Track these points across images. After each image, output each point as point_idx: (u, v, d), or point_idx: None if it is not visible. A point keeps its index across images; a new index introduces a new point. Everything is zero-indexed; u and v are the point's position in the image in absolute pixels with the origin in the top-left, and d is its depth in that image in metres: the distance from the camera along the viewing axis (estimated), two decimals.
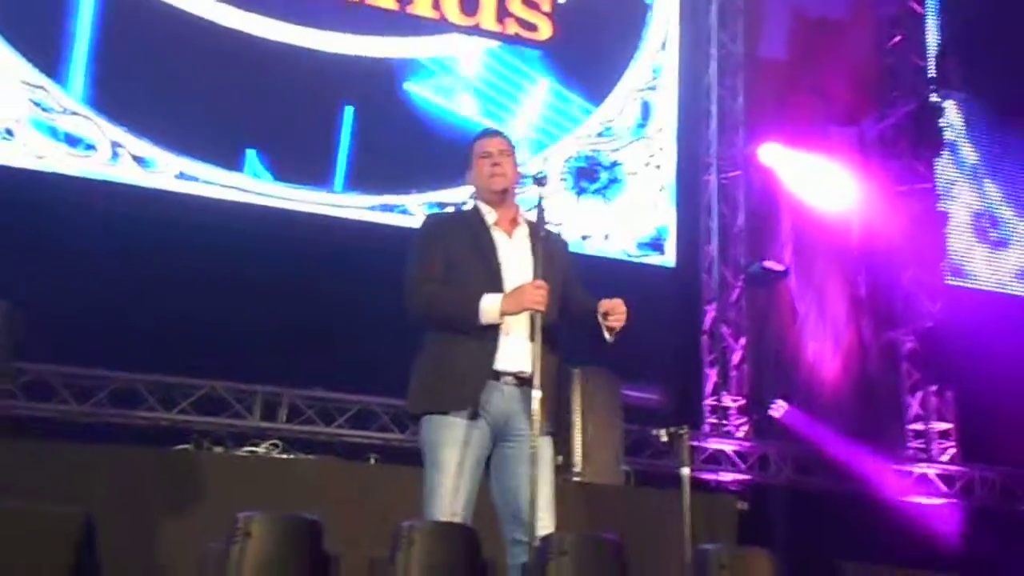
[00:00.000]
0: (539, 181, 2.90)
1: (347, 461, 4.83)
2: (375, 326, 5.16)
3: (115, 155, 6.95)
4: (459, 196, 7.28)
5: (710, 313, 8.11)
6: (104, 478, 3.79)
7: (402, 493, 3.12)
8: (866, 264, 8.36)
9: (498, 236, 2.93)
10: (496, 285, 2.84)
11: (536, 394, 2.63)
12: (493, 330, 2.78)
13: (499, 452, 2.85)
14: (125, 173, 6.87)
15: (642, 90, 8.19)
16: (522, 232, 2.97)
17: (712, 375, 7.95)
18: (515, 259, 2.89)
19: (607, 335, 2.80)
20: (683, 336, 7.98)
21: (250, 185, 7.10)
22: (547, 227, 2.78)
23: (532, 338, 2.71)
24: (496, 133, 3.09)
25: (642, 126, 8.16)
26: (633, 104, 8.16)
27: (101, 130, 6.92)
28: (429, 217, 3.15)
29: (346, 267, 6.58)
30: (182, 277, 6.28)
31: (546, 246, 2.87)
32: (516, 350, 2.78)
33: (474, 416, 2.77)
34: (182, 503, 3.84)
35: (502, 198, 2.97)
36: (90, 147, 6.87)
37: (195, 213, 6.77)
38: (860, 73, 8.34)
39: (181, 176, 7.00)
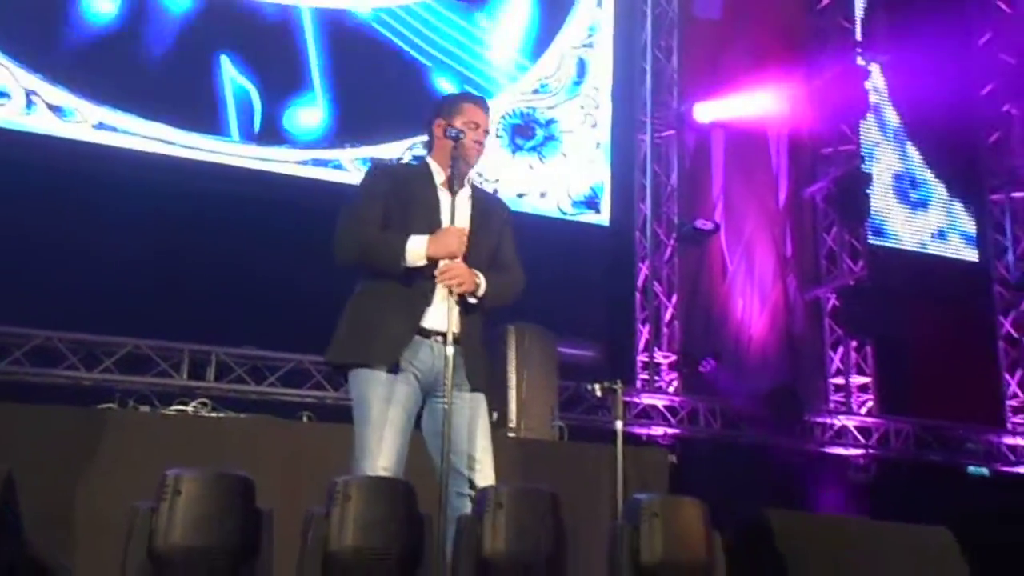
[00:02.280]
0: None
1: (280, 419, 4.65)
2: (307, 283, 5.10)
3: (30, 104, 6.66)
4: (393, 152, 7.30)
5: (643, 271, 8.20)
6: (24, 437, 3.65)
7: (336, 451, 3.08)
8: (792, 223, 8.56)
9: (443, 195, 2.91)
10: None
11: (450, 350, 2.69)
12: (424, 290, 2.79)
13: (430, 406, 2.87)
14: (41, 123, 6.59)
15: (578, 48, 8.18)
16: (465, 193, 2.96)
17: (644, 332, 8.06)
18: (456, 218, 2.88)
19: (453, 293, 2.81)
20: (617, 293, 8.09)
21: (173, 136, 6.86)
22: (491, 190, 2.84)
23: (450, 294, 2.76)
24: (485, 104, 3.02)
25: (578, 83, 8.16)
26: (569, 61, 8.15)
27: (15, 78, 6.60)
28: (376, 166, 3.22)
29: (276, 223, 6.49)
30: (104, 232, 6.10)
31: (484, 207, 2.90)
32: (445, 311, 2.80)
33: (394, 371, 2.77)
34: (107, 462, 3.72)
35: (467, 170, 2.97)
36: (3, 95, 6.56)
37: (117, 166, 6.55)
38: (791, 35, 8.48)
39: (100, 127, 6.74)
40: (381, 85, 7.47)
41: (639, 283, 8.21)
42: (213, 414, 4.81)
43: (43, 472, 3.43)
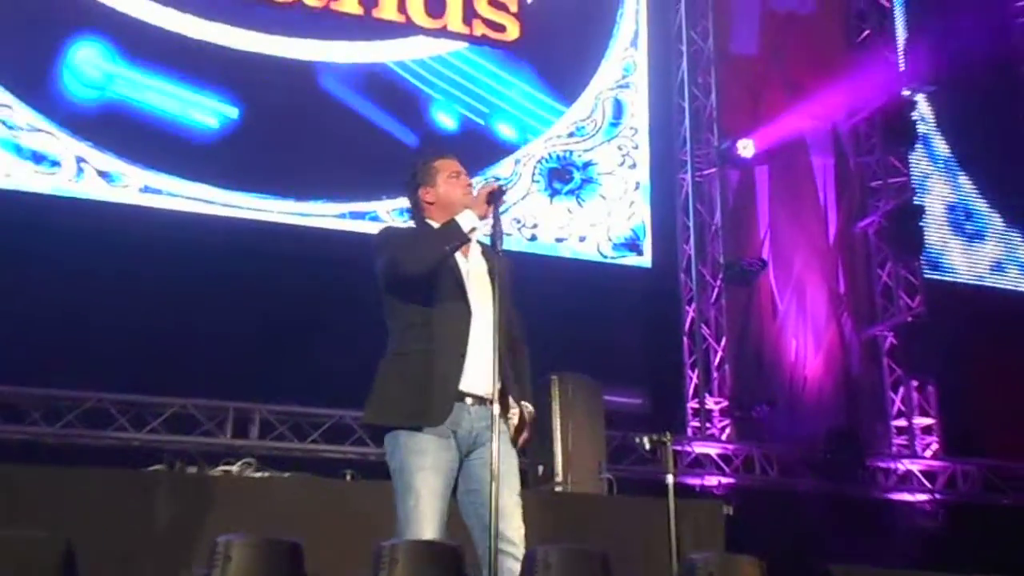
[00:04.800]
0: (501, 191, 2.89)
1: (323, 478, 4.63)
2: (345, 338, 5.04)
3: (80, 171, 6.69)
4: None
5: (690, 314, 8.00)
6: (79, 501, 3.70)
7: (380, 509, 3.02)
8: (844, 259, 8.31)
9: (459, 256, 2.88)
10: (462, 297, 2.82)
11: (496, 409, 2.63)
12: (458, 350, 2.74)
13: (467, 468, 2.80)
14: (90, 189, 6.64)
15: (614, 88, 8.09)
16: (475, 251, 2.95)
17: (694, 377, 7.83)
18: (474, 276, 2.86)
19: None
20: (663, 338, 7.89)
21: (214, 196, 6.85)
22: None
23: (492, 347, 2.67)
24: (452, 152, 3.06)
25: (615, 125, 8.04)
26: (605, 103, 8.05)
27: (64, 145, 6.65)
28: (389, 228, 3.06)
29: (315, 278, 6.46)
30: (148, 293, 6.13)
31: (492, 259, 2.85)
32: (479, 370, 2.73)
33: (432, 433, 2.72)
34: (159, 525, 3.74)
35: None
36: (55, 163, 6.62)
37: (159, 226, 6.56)
38: (832, 68, 8.26)
39: (145, 190, 6.76)
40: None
41: (686, 326, 8.00)
42: (258, 474, 4.74)
43: (97, 536, 3.43)
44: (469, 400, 2.75)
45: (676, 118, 8.26)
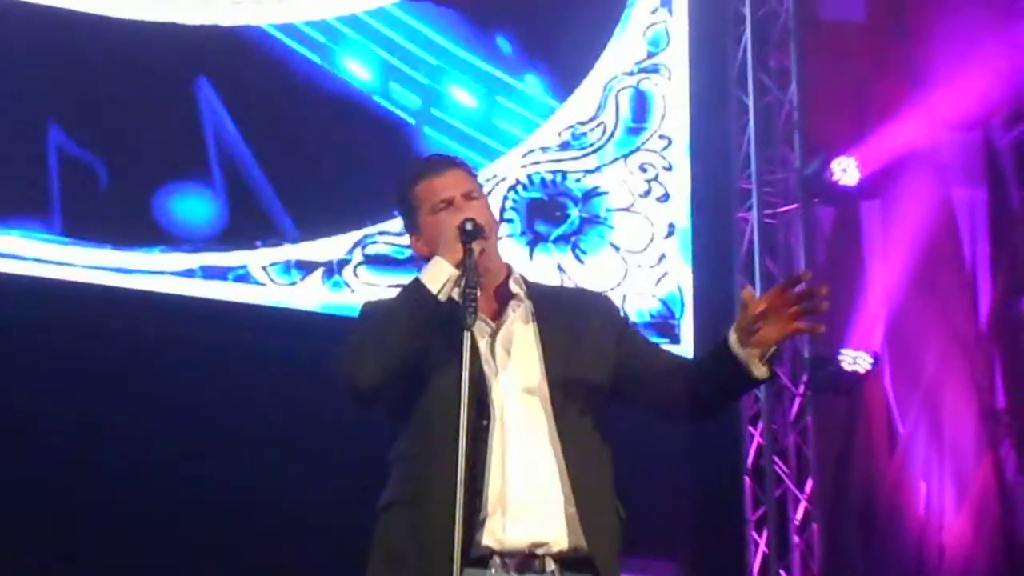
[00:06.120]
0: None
1: None
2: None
3: None
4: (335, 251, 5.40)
5: (755, 440, 5.89)
6: None
7: None
8: (1003, 353, 6.25)
9: (479, 327, 2.12)
10: (483, 398, 2.04)
11: None
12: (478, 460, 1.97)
13: None
14: None
15: (634, 73, 6.00)
16: (517, 312, 2.16)
17: (761, 542, 5.76)
18: (513, 355, 2.13)
19: (759, 367, 1.92)
20: (711, 478, 5.96)
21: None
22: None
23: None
24: (445, 164, 2.25)
25: (635, 131, 5.92)
26: (620, 96, 5.97)
27: None
28: (368, 305, 2.24)
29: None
30: None
31: (553, 314, 2.13)
32: (521, 494, 1.97)
33: None
34: None
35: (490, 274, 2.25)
36: None
37: None
38: (981, 47, 6.09)
39: None
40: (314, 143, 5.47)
41: (748, 461, 5.90)
42: None
43: None
44: (497, 564, 1.99)
45: (735, 122, 6.11)
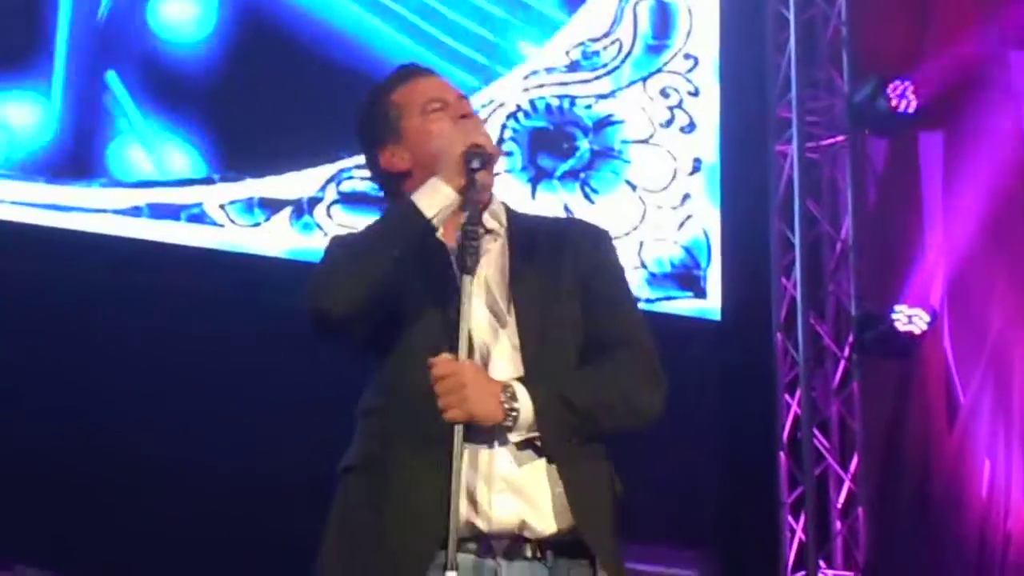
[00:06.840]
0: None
1: None
2: None
3: None
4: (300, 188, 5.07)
5: (792, 409, 5.36)
6: None
7: None
8: None
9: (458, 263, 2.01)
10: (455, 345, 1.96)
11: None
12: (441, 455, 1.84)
13: None
14: None
15: None
16: (497, 250, 2.04)
17: (799, 528, 5.26)
18: (496, 298, 2.01)
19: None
20: (740, 456, 5.44)
21: None
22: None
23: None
24: (427, 70, 2.13)
25: (656, 49, 5.46)
26: (638, 8, 5.49)
27: None
28: (336, 239, 2.09)
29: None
30: None
31: (533, 245, 2.01)
32: (502, 471, 1.86)
33: None
34: None
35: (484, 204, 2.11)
36: None
37: None
38: None
39: None
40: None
41: (784, 433, 5.36)
42: None
43: None
44: (470, 547, 1.88)
45: (772, 39, 5.54)
